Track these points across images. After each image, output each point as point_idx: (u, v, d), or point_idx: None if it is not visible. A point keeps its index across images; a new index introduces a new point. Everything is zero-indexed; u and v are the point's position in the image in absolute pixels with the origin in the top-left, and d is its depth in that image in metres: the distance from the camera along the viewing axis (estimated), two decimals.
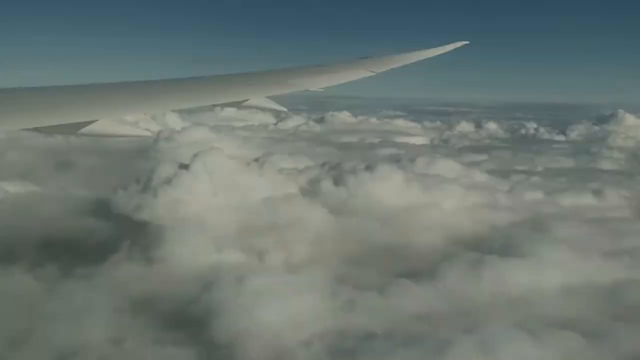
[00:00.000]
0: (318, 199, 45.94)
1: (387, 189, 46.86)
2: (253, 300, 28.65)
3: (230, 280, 30.71)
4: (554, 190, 53.27)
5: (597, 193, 51.78)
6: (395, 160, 59.19)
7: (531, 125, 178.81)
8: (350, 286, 31.99)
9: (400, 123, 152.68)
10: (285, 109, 9.49)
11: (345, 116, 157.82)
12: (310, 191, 47.36)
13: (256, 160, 54.20)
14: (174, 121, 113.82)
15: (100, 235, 42.21)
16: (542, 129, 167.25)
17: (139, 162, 73.31)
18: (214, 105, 8.62)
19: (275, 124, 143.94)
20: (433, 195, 46.49)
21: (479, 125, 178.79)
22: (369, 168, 49.67)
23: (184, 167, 46.46)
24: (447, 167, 56.58)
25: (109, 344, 26.57)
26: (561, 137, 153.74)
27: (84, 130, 6.57)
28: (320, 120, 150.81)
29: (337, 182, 47.99)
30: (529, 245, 35.79)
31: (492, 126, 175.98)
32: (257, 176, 46.81)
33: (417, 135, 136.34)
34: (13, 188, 52.27)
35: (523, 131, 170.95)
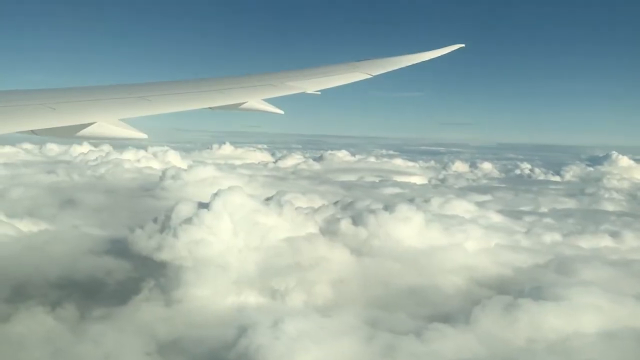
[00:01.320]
0: (338, 238, 45.56)
1: (407, 229, 46.63)
2: (291, 345, 28.01)
3: (264, 323, 30.03)
4: (570, 232, 53.37)
5: (614, 235, 51.91)
6: (408, 199, 59.02)
7: (525, 166, 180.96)
8: (383, 330, 31.50)
9: (399, 162, 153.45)
10: (281, 112, 9.43)
11: (343, 155, 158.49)
12: (330, 231, 46.98)
13: (269, 199, 53.98)
14: (175, 159, 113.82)
15: (119, 275, 41.46)
16: (537, 170, 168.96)
17: (147, 200, 72.89)
18: (211, 108, 8.58)
19: (275, 162, 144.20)
20: (453, 236, 46.31)
21: (473, 165, 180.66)
22: (386, 208, 49.50)
23: (203, 205, 46.02)
24: (461, 207, 56.58)
25: None
26: (557, 178, 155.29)
27: (81, 133, 6.59)
28: (319, 159, 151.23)
29: (355, 221, 47.69)
30: (560, 288, 35.45)
31: (486, 166, 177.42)
32: (276, 215, 46.40)
33: (415, 175, 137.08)
34: (25, 226, 51.41)
35: (517, 171, 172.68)
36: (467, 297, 38.78)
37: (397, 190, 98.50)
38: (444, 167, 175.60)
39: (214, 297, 38.65)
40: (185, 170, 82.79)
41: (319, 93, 10.54)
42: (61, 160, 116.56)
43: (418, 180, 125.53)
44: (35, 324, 34.05)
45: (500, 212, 60.06)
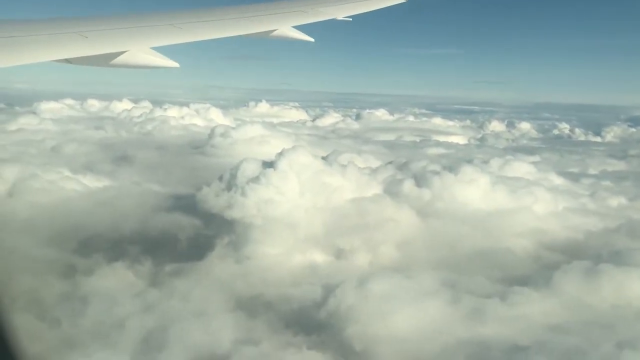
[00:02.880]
0: (402, 199, 45.32)
1: (471, 191, 46.14)
2: (380, 306, 28.26)
3: (345, 282, 30.23)
4: (636, 196, 52.25)
5: None
6: (457, 160, 58.38)
7: (564, 126, 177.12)
8: (463, 292, 31.51)
9: (438, 121, 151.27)
10: (311, 39, 9.29)
11: (381, 113, 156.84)
12: (392, 192, 46.74)
13: (325, 158, 53.88)
14: (217, 116, 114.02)
15: (190, 231, 42.11)
16: (577, 130, 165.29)
17: (198, 158, 73.55)
18: (240, 36, 8.46)
19: (313, 121, 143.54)
20: (520, 199, 45.67)
21: (510, 125, 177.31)
22: (449, 169, 48.98)
23: (267, 164, 46.11)
24: (521, 168, 55.72)
25: (243, 346, 26.21)
26: (597, 139, 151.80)
27: (114, 61, 6.69)
28: (358, 117, 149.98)
29: (418, 182, 47.33)
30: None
31: (524, 126, 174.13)
32: (340, 175, 46.28)
33: (455, 134, 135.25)
34: (89, 182, 52.33)
35: (556, 132, 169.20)
36: (539, 261, 38.54)
37: (441, 150, 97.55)
38: (481, 126, 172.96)
39: (285, 255, 39.07)
40: (233, 128, 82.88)
41: (350, 19, 10.31)
42: (105, 117, 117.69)
43: (459, 140, 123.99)
44: (118, 278, 35.02)
45: (559, 174, 58.90)
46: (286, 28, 9.11)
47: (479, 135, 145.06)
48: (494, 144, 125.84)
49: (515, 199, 45.69)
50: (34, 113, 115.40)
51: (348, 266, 38.23)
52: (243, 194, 43.06)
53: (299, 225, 41.38)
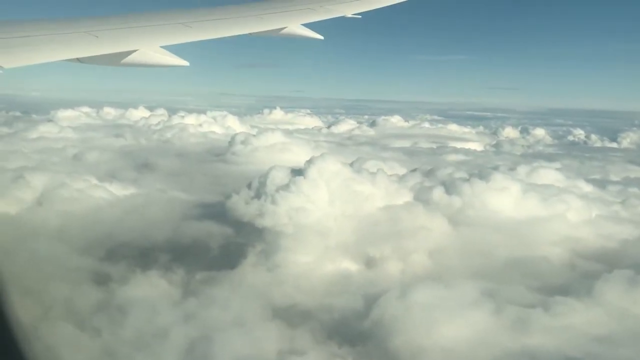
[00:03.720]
0: (432, 207, 44.93)
1: (503, 199, 45.70)
2: (423, 316, 27.89)
3: (392, 292, 29.92)
4: None
5: None
6: (493, 168, 57.85)
7: (578, 132, 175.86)
8: (504, 302, 31.06)
9: (454, 128, 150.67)
10: (321, 37, 9.26)
11: (396, 120, 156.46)
12: (422, 199, 46.37)
13: (350, 165, 53.62)
14: (234, 123, 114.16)
15: (222, 240, 41.96)
16: (593, 136, 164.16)
17: (219, 165, 73.57)
18: (250, 34, 8.49)
19: (328, 128, 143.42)
20: (552, 206, 45.14)
21: (524, 131, 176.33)
22: (480, 176, 48.55)
23: (296, 172, 45.94)
24: (549, 175, 55.14)
25: (289, 357, 25.91)
26: (614, 145, 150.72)
27: (124, 60, 6.72)
28: (373, 124, 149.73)
29: (448, 190, 46.93)
30: None
31: (539, 132, 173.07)
32: (369, 183, 45.99)
33: (471, 141, 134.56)
34: (116, 190, 52.37)
35: (571, 137, 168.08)
36: (576, 269, 38.03)
37: (461, 157, 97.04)
38: (494, 132, 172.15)
39: (317, 264, 38.81)
40: (254, 135, 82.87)
41: (360, 16, 10.26)
42: (123, 124, 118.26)
43: (475, 146, 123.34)
44: (153, 287, 34.87)
45: (588, 181, 58.25)
46: (295, 26, 9.11)
47: (494, 142, 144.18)
48: (510, 150, 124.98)
49: (547, 206, 45.17)
50: (51, 121, 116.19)
51: (381, 274, 37.91)
52: (273, 201, 42.87)
53: (330, 233, 41.14)
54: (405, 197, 45.90)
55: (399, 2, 11.61)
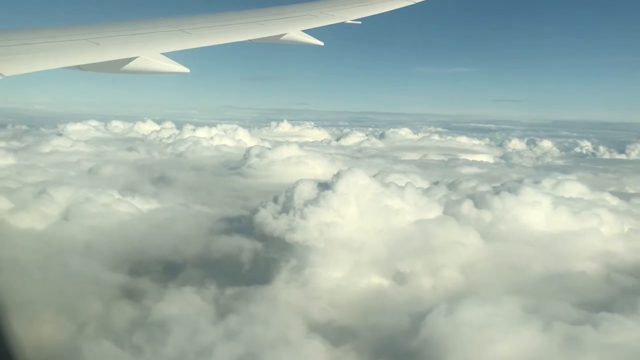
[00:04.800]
0: (463, 221, 44.44)
1: (533, 213, 45.20)
2: (472, 333, 27.30)
3: (439, 310, 29.31)
4: None
5: None
6: (518, 180, 57.42)
7: (585, 144, 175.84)
8: (548, 319, 30.43)
9: (464, 140, 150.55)
10: (321, 43, 9.23)
11: (405, 132, 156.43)
12: (450, 213, 45.88)
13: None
14: (245, 136, 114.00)
15: (251, 254, 41.36)
16: (601, 148, 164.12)
17: (236, 179, 73.21)
18: (250, 40, 8.48)
19: (337, 140, 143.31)
20: (584, 220, 44.65)
21: (531, 143, 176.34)
22: (509, 190, 48.09)
23: (323, 186, 45.53)
24: (576, 189, 54.70)
25: None
26: (622, 156, 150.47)
27: (125, 67, 6.71)
28: (382, 137, 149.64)
29: (477, 204, 46.46)
30: None
31: (546, 144, 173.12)
32: (397, 197, 45.52)
33: (481, 153, 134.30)
34: (139, 204, 51.90)
35: (578, 149, 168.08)
36: (614, 285, 37.46)
37: (475, 169, 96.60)
38: (500, 144, 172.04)
39: (350, 279, 38.29)
40: (269, 148, 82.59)
41: (360, 22, 10.31)
42: (133, 138, 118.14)
43: (485, 158, 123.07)
44: (187, 303, 34.29)
45: (614, 194, 57.84)
46: (295, 32, 9.08)
47: (502, 154, 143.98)
48: (520, 162, 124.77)
49: (578, 220, 44.67)
50: (61, 134, 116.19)
51: (417, 290, 37.34)
52: (302, 216, 42.38)
53: (363, 248, 40.62)
54: (435, 210, 45.39)
55: (398, 8, 11.69)
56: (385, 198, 44.74)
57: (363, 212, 43.08)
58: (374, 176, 55.35)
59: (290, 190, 45.77)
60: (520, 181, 56.31)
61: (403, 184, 50.24)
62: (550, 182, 55.87)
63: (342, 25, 10.21)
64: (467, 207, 46.19)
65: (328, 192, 44.00)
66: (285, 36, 8.91)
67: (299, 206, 43.60)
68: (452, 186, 57.51)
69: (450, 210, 46.31)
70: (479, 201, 46.63)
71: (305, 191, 45.32)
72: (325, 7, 10.62)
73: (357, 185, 44.97)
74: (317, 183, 46.43)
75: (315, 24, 9.63)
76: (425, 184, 58.80)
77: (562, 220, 44.60)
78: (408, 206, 44.59)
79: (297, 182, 46.34)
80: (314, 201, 43.50)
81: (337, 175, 45.71)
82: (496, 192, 48.14)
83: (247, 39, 8.48)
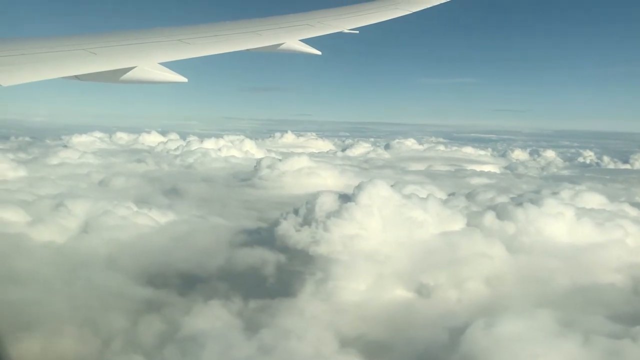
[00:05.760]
0: (486, 233, 44.02)
1: (557, 224, 44.84)
2: (512, 348, 26.82)
3: (477, 324, 28.81)
4: None
5: None
6: (536, 191, 57.13)
7: (588, 154, 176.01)
8: (585, 333, 29.96)
9: (469, 150, 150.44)
10: (318, 52, 9.32)
11: (411, 143, 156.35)
12: (474, 225, 45.46)
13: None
14: (252, 148, 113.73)
15: (275, 268, 40.87)
16: (605, 158, 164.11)
17: (248, 190, 72.80)
18: (248, 50, 8.51)
19: (343, 151, 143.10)
20: (608, 231, 44.31)
21: (534, 153, 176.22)
22: (532, 201, 47.76)
23: (346, 198, 45.16)
24: (595, 200, 54.40)
25: None
26: (626, 166, 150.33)
27: (123, 77, 6.74)
28: (387, 147, 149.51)
29: (500, 215, 46.06)
30: None
31: (549, 154, 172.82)
32: (419, 208, 45.13)
33: (487, 164, 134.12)
34: (155, 216, 51.41)
35: (581, 159, 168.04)
36: None
37: (484, 180, 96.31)
38: (502, 154, 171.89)
39: (377, 292, 37.86)
40: (279, 159, 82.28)
41: (357, 32, 10.40)
42: (139, 149, 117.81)
43: (492, 169, 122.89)
44: (216, 317, 33.75)
45: (633, 205, 57.48)
46: (293, 41, 9.14)
47: (506, 164, 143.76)
48: (526, 172, 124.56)
49: (603, 231, 44.32)
50: (66, 146, 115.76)
51: (445, 303, 36.88)
52: (325, 228, 41.97)
53: (387, 261, 40.18)
54: (459, 222, 45.00)
55: (394, 17, 11.76)
56: (407, 210, 44.37)
57: (386, 224, 42.68)
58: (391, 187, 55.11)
59: (310, 202, 45.39)
60: (538, 192, 55.98)
61: (423, 196, 49.96)
62: (568, 193, 55.54)
63: (341, 35, 10.29)
64: (489, 218, 45.79)
65: (350, 204, 43.63)
66: (282, 46, 8.95)
67: (321, 218, 43.21)
68: (469, 197, 57.11)
69: (473, 221, 45.89)
70: (501, 212, 46.25)
71: (327, 203, 44.95)
72: (322, 16, 10.76)
73: (379, 197, 44.60)
74: (338, 195, 46.04)
75: (313, 33, 9.72)
76: (442, 195, 58.39)
77: (586, 231, 44.25)
78: (431, 218, 44.20)
79: (318, 194, 45.99)
80: (337, 213, 43.12)
81: (359, 187, 45.36)
82: (517, 203, 47.73)
83: (244, 48, 8.50)
